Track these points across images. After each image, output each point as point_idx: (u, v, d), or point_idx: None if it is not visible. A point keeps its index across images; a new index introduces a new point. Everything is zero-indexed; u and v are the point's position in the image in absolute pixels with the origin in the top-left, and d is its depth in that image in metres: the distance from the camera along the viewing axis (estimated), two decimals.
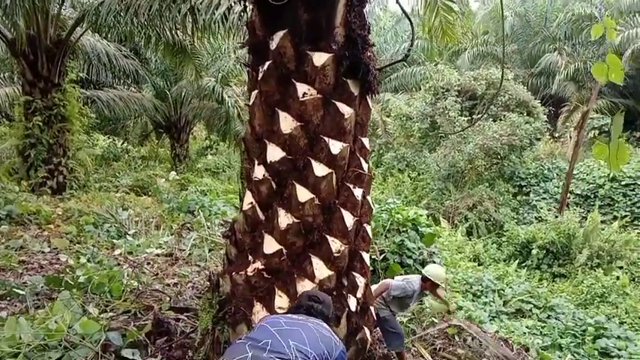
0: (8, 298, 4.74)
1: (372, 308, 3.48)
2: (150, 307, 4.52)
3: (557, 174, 17.60)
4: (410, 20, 3.35)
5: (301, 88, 2.99)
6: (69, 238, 7.04)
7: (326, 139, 3.03)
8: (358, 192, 3.22)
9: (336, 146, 3.04)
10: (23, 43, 10.01)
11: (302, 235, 3.07)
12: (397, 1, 3.33)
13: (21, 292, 4.64)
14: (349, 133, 3.12)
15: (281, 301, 3.02)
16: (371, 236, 3.48)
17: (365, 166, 3.29)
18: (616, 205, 16.06)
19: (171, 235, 8.44)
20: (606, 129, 19.80)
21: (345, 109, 3.05)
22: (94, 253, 6.34)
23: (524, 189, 17.71)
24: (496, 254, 15.33)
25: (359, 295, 3.26)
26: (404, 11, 3.40)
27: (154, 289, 5.16)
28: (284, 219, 3.05)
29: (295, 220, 3.05)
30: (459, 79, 19.03)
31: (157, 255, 7.14)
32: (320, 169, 3.03)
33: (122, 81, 17.74)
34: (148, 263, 6.65)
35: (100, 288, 4.69)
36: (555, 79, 21.25)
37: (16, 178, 10.49)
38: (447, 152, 17.92)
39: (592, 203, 16.27)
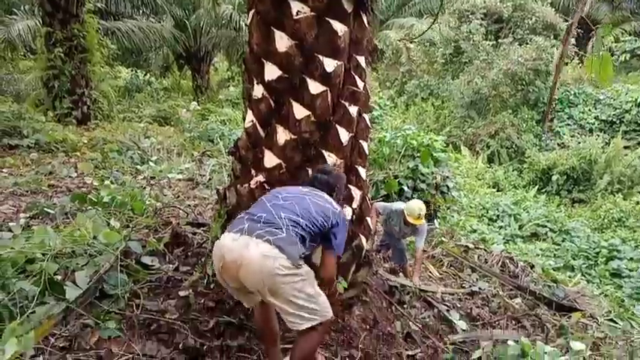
0: (40, 217, 5.14)
1: (368, 219, 3.71)
2: (169, 222, 4.86)
3: (583, 99, 17.19)
4: None
5: (295, 6, 3.07)
6: (94, 164, 7.41)
7: (320, 57, 3.14)
8: (353, 109, 3.36)
9: (330, 64, 3.15)
10: None
11: (299, 150, 3.26)
12: None
13: (51, 211, 5.02)
14: (343, 51, 3.22)
15: None
16: (367, 152, 3.65)
17: (360, 84, 3.40)
18: None
19: (192, 161, 8.77)
20: (638, 52, 18.99)
21: (339, 27, 3.13)
22: (118, 177, 6.70)
23: (548, 115, 17.40)
24: (516, 181, 15.37)
25: (355, 205, 3.48)
26: None
27: (173, 206, 5.49)
28: (282, 135, 3.23)
29: (293, 136, 3.22)
30: (484, 2, 18.31)
31: (179, 180, 7.49)
32: (315, 87, 3.17)
33: (141, 11, 17.67)
34: (170, 186, 7.00)
35: (123, 206, 5.03)
36: (587, 0, 20.24)
37: (42, 109, 10.86)
38: (471, 78, 17.59)
39: (617, 129, 15.96)
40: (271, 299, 2.53)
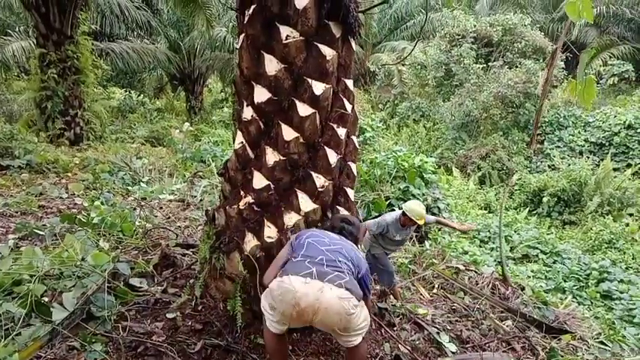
0: (29, 238, 5.11)
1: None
2: (158, 244, 4.85)
3: (572, 122, 17.39)
4: None
5: (284, 30, 3.12)
6: (85, 185, 7.40)
7: (309, 80, 3.19)
8: (342, 131, 3.40)
9: (318, 87, 3.20)
10: None
11: (288, 172, 3.29)
12: None
13: (40, 232, 5.00)
14: (332, 74, 3.27)
15: (270, 231, 3.27)
16: (356, 174, 3.68)
17: (349, 107, 3.45)
18: (631, 152, 15.90)
19: (184, 182, 8.77)
20: (626, 75, 19.31)
21: (327, 51, 3.18)
22: (108, 198, 6.69)
23: (538, 137, 17.58)
24: (507, 202, 15.40)
25: None
26: None
27: (163, 228, 5.48)
28: (271, 156, 3.26)
29: (282, 158, 3.25)
30: (474, 26, 18.63)
31: (170, 200, 7.48)
32: (304, 109, 3.21)
33: (135, 33, 17.84)
34: (160, 207, 6.99)
35: (113, 227, 5.02)
36: (576, 25, 20.63)
37: (34, 130, 10.87)
38: (462, 101, 17.77)
39: (606, 151, 16.13)
40: (341, 334, 2.75)
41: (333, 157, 3.35)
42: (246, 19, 3.23)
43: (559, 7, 22.91)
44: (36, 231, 5.05)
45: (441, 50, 18.75)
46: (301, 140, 3.25)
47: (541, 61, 17.42)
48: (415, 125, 20.64)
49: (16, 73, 18.84)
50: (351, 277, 2.76)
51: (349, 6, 3.15)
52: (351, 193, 3.59)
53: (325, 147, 3.32)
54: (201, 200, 7.76)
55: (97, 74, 11.92)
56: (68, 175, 8.19)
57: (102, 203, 6.20)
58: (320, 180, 3.31)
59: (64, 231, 5.16)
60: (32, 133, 10.29)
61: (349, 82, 3.47)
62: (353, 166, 3.61)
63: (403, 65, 22.31)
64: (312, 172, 3.30)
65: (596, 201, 14.00)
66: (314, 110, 3.23)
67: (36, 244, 4.93)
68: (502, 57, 18.03)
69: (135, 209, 6.50)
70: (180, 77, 18.73)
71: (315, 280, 2.63)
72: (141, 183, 8.16)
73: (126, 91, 20.74)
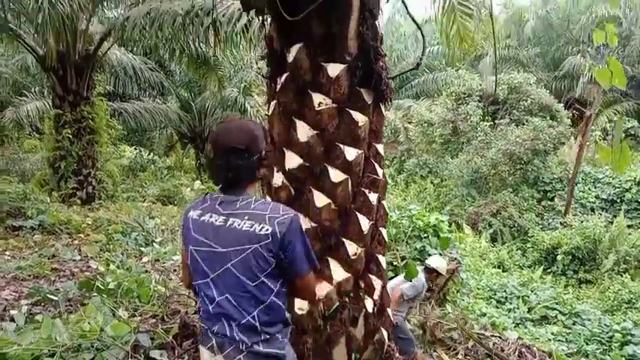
0: (42, 304, 4.97)
1: (388, 310, 3.58)
2: (177, 311, 4.69)
3: (582, 178, 17.36)
4: (422, 32, 3.46)
5: (317, 98, 3.12)
6: (99, 247, 7.30)
7: (341, 146, 3.16)
8: (373, 197, 3.33)
9: (351, 153, 3.16)
10: (53, 59, 10.39)
11: (320, 239, 3.19)
12: (408, 13, 3.46)
13: (54, 297, 4.86)
14: (363, 140, 3.24)
15: (300, 302, 3.13)
16: (387, 240, 3.59)
17: (380, 171, 3.40)
18: None
19: None
20: (632, 132, 19.45)
21: (359, 117, 3.17)
22: (123, 261, 6.56)
23: (548, 194, 17.51)
24: (521, 260, 15.18)
25: (376, 296, 3.36)
26: (416, 23, 3.51)
27: (180, 294, 5.33)
28: (303, 224, 3.18)
29: (313, 225, 3.17)
30: (480, 84, 18.97)
31: None
32: (336, 175, 3.16)
33: (148, 93, 18.23)
34: (174, 270, 6.85)
35: (129, 293, 4.88)
36: (579, 82, 21.01)
37: (47, 189, 10.87)
38: (470, 158, 17.86)
39: (618, 208, 16.00)
40: None
41: (365, 223, 3.26)
42: (279, 86, 3.24)
43: (561, 66, 23.42)
44: (49, 296, 4.91)
45: (448, 108, 19.01)
46: (333, 206, 3.18)
47: (547, 118, 17.61)
48: (423, 181, 20.65)
49: (28, 132, 19.15)
50: (264, 329, 2.06)
51: (380, 73, 3.16)
52: (382, 260, 3.48)
53: (357, 213, 3.25)
54: None
55: (111, 134, 12.06)
56: (80, 236, 8.10)
57: (117, 267, 6.07)
58: (352, 247, 3.21)
59: (78, 296, 5.03)
60: (44, 193, 10.29)
61: (380, 147, 3.44)
62: (384, 231, 3.52)
63: (409, 122, 22.61)
64: (344, 239, 3.21)
65: (612, 259, 13.76)
66: (346, 176, 3.18)
67: (50, 311, 4.79)
68: (509, 115, 18.25)
69: (148, 272, 6.37)
70: (191, 136, 18.96)
71: (219, 355, 2.07)
72: (154, 244, 8.04)
73: (136, 149, 20.97)
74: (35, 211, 8.53)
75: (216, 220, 2.08)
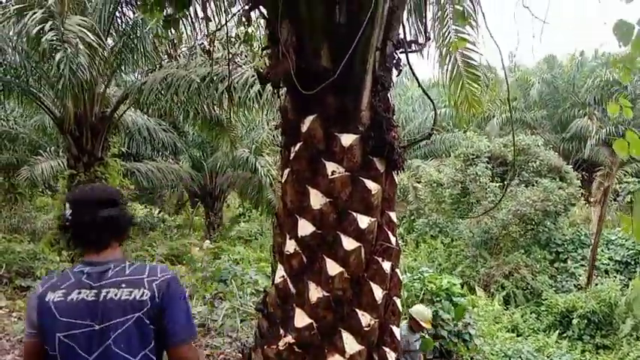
0: None
1: None
2: None
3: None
4: (432, 101, 3.54)
5: (330, 166, 3.17)
6: None
7: (354, 214, 3.17)
8: (387, 265, 3.30)
9: (364, 221, 3.17)
10: (71, 122, 10.66)
11: (332, 309, 3.14)
12: (419, 84, 3.56)
13: None
14: (376, 208, 3.26)
15: None
16: (401, 309, 3.52)
17: (393, 239, 3.39)
18: None
19: (204, 304, 8.52)
20: None
21: (372, 186, 3.20)
22: None
23: (561, 255, 17.26)
24: (535, 324, 14.75)
25: None
26: (425, 93, 3.61)
27: None
28: (314, 292, 3.14)
29: (325, 294, 3.13)
30: (488, 146, 19.15)
31: None
32: (349, 243, 3.15)
33: (160, 153, 18.54)
34: None
35: None
36: (587, 144, 21.18)
37: (57, 249, 10.87)
38: (480, 219, 17.75)
39: (633, 270, 15.70)
40: None
41: (378, 292, 3.22)
42: (292, 155, 3.30)
43: (568, 127, 23.68)
44: None
45: (457, 169, 19.11)
46: (346, 275, 3.15)
47: (557, 179, 17.62)
48: (433, 241, 20.46)
49: (40, 189, 19.39)
50: None
51: (393, 143, 3.21)
52: (396, 331, 3.40)
53: (370, 282, 3.21)
54: (222, 325, 7.48)
55: (123, 194, 12.17)
56: None
57: None
58: (366, 318, 3.15)
59: None
60: (54, 252, 10.28)
61: (392, 215, 3.45)
62: (397, 301, 3.47)
63: (418, 182, 22.69)
64: (357, 310, 3.16)
65: (629, 324, 13.35)
66: (359, 244, 3.17)
67: None
68: (518, 176, 18.29)
69: None
70: (201, 194, 19.13)
71: None
72: None
73: (146, 208, 21.11)
74: (44, 270, 8.52)
75: (87, 296, 1.84)
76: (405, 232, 22.03)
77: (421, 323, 5.59)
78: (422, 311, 5.78)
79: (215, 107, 11.05)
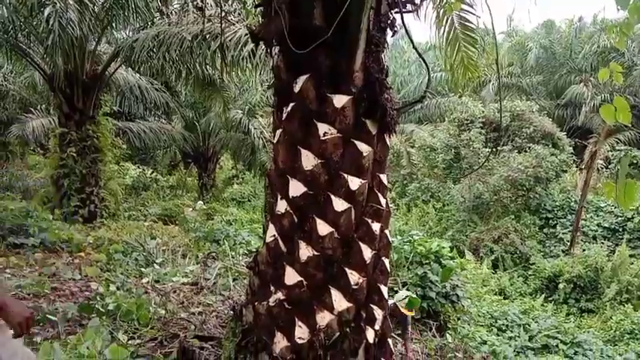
0: (41, 324, 4.95)
1: (389, 341, 3.56)
2: (176, 335, 4.66)
3: (584, 207, 17.34)
4: (425, 63, 3.51)
5: (322, 127, 3.16)
6: (99, 266, 7.28)
7: (345, 175, 3.18)
8: (376, 226, 3.34)
9: (354, 182, 3.19)
10: (61, 79, 10.50)
11: (322, 268, 3.20)
12: (413, 45, 3.52)
13: (53, 318, 4.84)
14: (367, 170, 3.27)
15: (301, 331, 3.13)
16: (389, 270, 3.59)
17: (383, 201, 3.42)
18: None
19: (197, 264, 8.62)
20: (635, 161, 19.47)
21: (364, 148, 3.20)
22: (123, 282, 6.54)
23: (550, 221, 17.47)
24: (522, 288, 15.07)
25: (377, 327, 3.35)
26: (419, 53, 3.57)
27: (179, 317, 5.30)
28: (305, 251, 3.19)
29: (315, 253, 3.18)
30: (483, 111, 19.09)
31: (183, 284, 7.30)
32: (339, 204, 3.18)
33: (153, 113, 18.37)
34: (174, 291, 6.81)
35: (129, 315, 4.86)
36: (582, 111, 21.14)
37: (49, 207, 10.89)
38: (472, 183, 17.86)
39: (620, 237, 15.95)
40: None
41: (367, 252, 3.27)
42: (284, 115, 3.28)
43: (563, 94, 23.57)
44: (48, 316, 4.89)
45: (450, 134, 19.10)
46: (336, 235, 3.19)
47: (550, 146, 17.67)
48: (425, 206, 20.62)
49: (32, 148, 19.25)
50: None
51: (385, 105, 3.20)
52: (384, 290, 3.48)
53: (360, 242, 3.26)
54: (214, 283, 7.58)
55: (115, 153, 12.13)
56: (81, 255, 8.08)
57: (117, 288, 6.05)
58: (354, 277, 3.21)
59: (77, 317, 5.01)
60: (47, 210, 10.29)
61: (383, 177, 3.47)
62: (386, 261, 3.52)
63: (412, 147, 22.69)
64: (347, 269, 3.21)
65: (614, 289, 13.66)
66: (350, 205, 3.20)
67: (48, 331, 4.77)
68: (511, 141, 18.32)
69: (147, 292, 6.34)
70: (194, 155, 19.07)
71: None
72: (154, 264, 8.01)
73: (139, 168, 21.05)
74: (37, 228, 8.53)
75: None
76: (397, 197, 22.17)
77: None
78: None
79: (208, 66, 10.90)
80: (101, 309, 4.77)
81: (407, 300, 5.20)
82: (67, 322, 4.90)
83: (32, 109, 16.10)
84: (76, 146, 10.89)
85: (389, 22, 3.27)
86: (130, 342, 4.31)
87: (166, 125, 17.71)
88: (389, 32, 3.38)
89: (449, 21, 6.93)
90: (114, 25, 10.80)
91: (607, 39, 21.20)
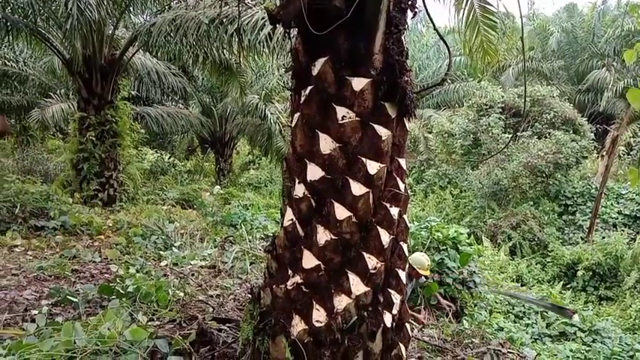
0: (62, 305, 5.05)
1: (407, 325, 3.55)
2: (194, 316, 4.72)
3: (605, 194, 17.07)
4: (447, 45, 3.44)
5: (341, 111, 3.12)
6: (118, 249, 7.39)
7: (364, 159, 3.15)
8: (394, 211, 3.31)
9: (373, 166, 3.15)
10: (79, 63, 10.58)
11: (339, 252, 3.18)
12: (434, 27, 3.45)
13: (74, 299, 4.93)
14: (386, 154, 3.23)
15: (318, 314, 3.13)
16: (407, 254, 3.56)
17: (401, 186, 3.38)
18: None
19: (215, 247, 8.71)
20: None
21: (383, 132, 3.16)
22: (143, 264, 6.64)
23: (570, 208, 17.26)
24: (540, 275, 14.95)
25: (394, 311, 3.33)
26: (440, 36, 3.50)
27: (198, 299, 5.36)
28: (322, 235, 3.17)
29: (333, 237, 3.16)
30: (502, 96, 18.81)
31: (201, 267, 7.38)
32: (357, 188, 3.15)
33: (170, 98, 18.45)
34: (192, 274, 6.89)
35: (148, 297, 4.92)
36: (604, 96, 20.70)
37: (69, 191, 11.05)
38: (490, 170, 17.68)
39: None
40: None
41: (385, 237, 3.24)
42: (302, 99, 3.24)
43: (585, 79, 23.11)
44: (69, 298, 4.99)
45: (469, 120, 18.88)
46: (354, 219, 3.17)
47: (570, 132, 17.38)
48: (442, 192, 20.50)
49: (52, 132, 19.50)
50: None
51: (405, 88, 3.15)
52: (402, 274, 3.45)
53: (378, 227, 3.23)
54: (232, 267, 7.65)
55: (133, 137, 12.23)
56: (101, 238, 8.21)
57: (137, 270, 6.13)
58: (372, 261, 3.19)
59: (98, 299, 5.10)
60: (67, 194, 10.46)
61: (402, 162, 3.42)
62: (404, 246, 3.49)
63: (429, 132, 22.50)
64: (364, 253, 3.19)
65: (634, 276, 13.49)
66: (368, 189, 3.16)
67: (69, 312, 4.87)
68: (531, 127, 18.05)
69: (165, 275, 6.42)
70: (211, 140, 19.16)
71: None
72: (173, 248, 8.11)
73: (157, 153, 21.22)
74: (57, 212, 8.68)
75: None
76: (414, 183, 22.07)
77: (419, 271, 5.67)
78: (420, 258, 5.87)
79: (224, 51, 10.89)
80: (121, 291, 4.84)
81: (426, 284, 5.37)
82: (87, 304, 5.00)
83: (52, 94, 16.29)
84: (95, 130, 11.01)
85: (409, 2, 3.21)
86: (149, 323, 4.37)
87: (184, 110, 17.79)
88: (409, 14, 3.31)
89: (468, 3, 6.80)
90: (131, 9, 10.83)
91: (631, 22, 20.66)
